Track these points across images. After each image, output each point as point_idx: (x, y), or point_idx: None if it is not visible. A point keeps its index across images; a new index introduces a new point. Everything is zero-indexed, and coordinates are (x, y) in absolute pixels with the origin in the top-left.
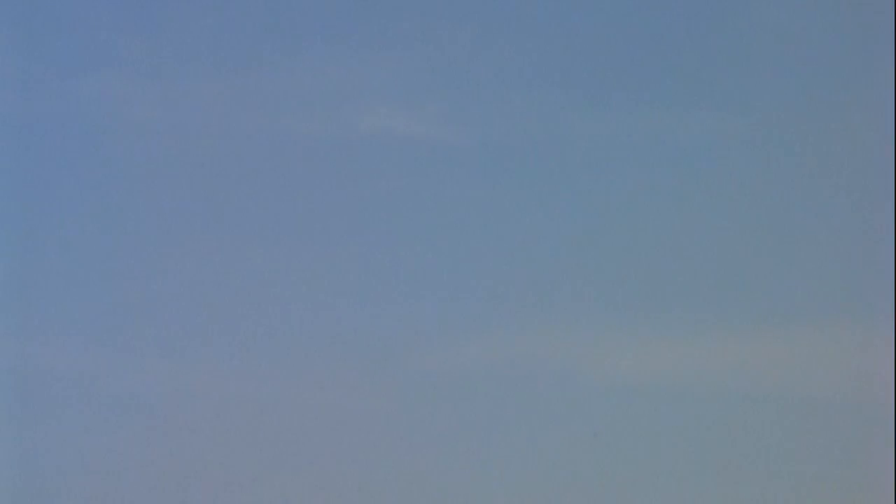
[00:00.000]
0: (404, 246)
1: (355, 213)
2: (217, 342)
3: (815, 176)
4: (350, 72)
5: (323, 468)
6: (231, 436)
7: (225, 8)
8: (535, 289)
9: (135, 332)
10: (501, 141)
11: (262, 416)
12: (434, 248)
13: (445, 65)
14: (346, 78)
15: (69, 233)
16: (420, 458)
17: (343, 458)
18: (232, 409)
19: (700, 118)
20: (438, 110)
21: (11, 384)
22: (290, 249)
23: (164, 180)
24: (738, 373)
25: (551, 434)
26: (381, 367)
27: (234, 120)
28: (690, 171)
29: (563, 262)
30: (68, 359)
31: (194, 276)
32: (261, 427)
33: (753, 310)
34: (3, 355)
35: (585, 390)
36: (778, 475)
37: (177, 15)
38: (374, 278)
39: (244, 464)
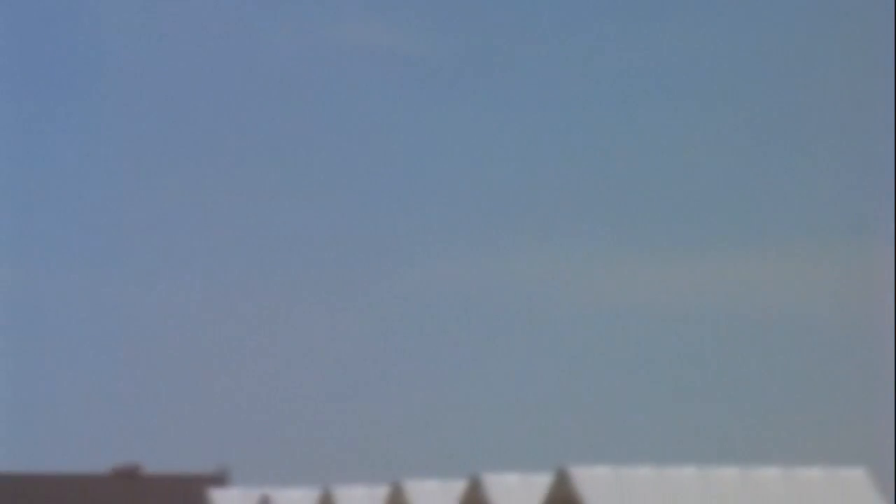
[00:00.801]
0: (384, 162)
1: (334, 128)
2: (208, 262)
3: (811, 93)
4: None
5: (311, 385)
6: (222, 351)
7: None
8: (519, 209)
9: (130, 253)
10: (480, 53)
11: (230, 332)
12: (416, 164)
13: None
14: None
15: (67, 162)
16: (402, 376)
17: (328, 374)
18: (221, 327)
19: (690, 41)
20: (414, 21)
21: (9, 308)
22: (271, 168)
23: (155, 111)
24: (735, 293)
25: (537, 355)
26: (364, 284)
27: (213, 37)
28: (679, 87)
29: (550, 181)
30: (66, 281)
31: (183, 195)
32: (226, 343)
33: (750, 228)
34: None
35: (574, 313)
36: (775, 394)
37: None
38: (356, 195)
39: (235, 375)
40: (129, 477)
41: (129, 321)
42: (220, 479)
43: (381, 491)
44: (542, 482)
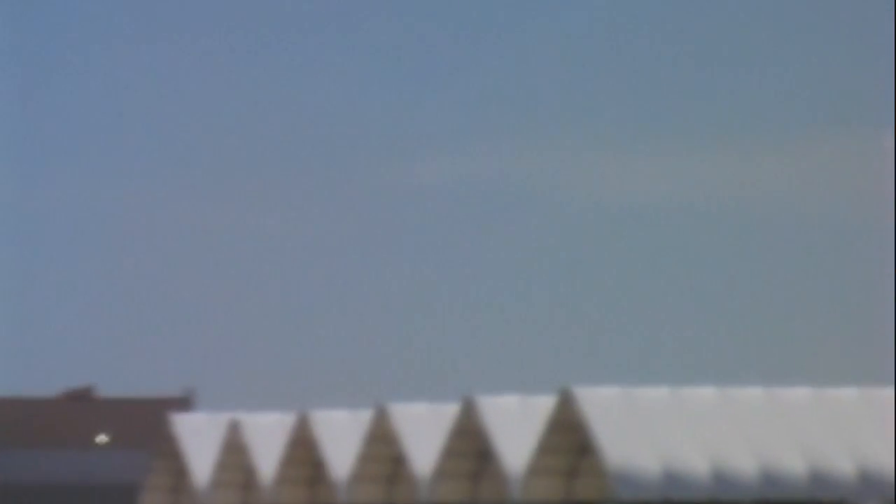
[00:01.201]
0: (396, 59)
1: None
2: (209, 165)
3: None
4: None
5: (286, 300)
6: (189, 263)
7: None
8: (522, 106)
9: (132, 163)
10: None
11: (197, 242)
12: (425, 62)
13: None
14: None
15: (66, 88)
16: (389, 289)
17: (305, 286)
18: (224, 237)
19: None
20: None
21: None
22: (280, 43)
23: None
24: (734, 189)
25: (536, 252)
26: (370, 179)
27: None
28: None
29: (554, 80)
30: (68, 194)
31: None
32: (193, 256)
33: (749, 122)
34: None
35: (575, 210)
36: (775, 292)
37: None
38: (365, 88)
39: (236, 289)
40: (81, 399)
41: (89, 232)
42: (184, 403)
43: (364, 415)
44: (543, 404)
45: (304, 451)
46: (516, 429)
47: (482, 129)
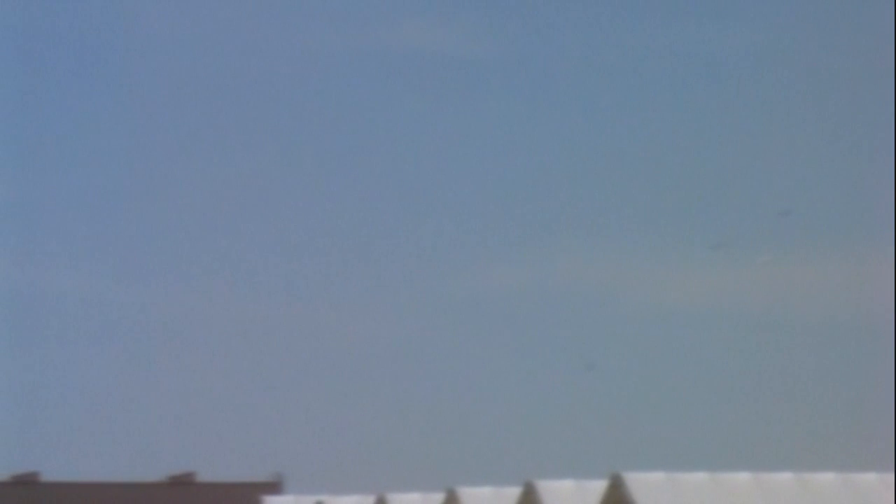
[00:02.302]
0: (438, 166)
1: (386, 131)
2: (235, 268)
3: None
4: None
5: (365, 392)
6: (277, 360)
7: None
8: (572, 211)
9: (141, 257)
10: (531, 54)
11: (284, 341)
12: (470, 168)
13: None
14: None
15: (75, 155)
16: (456, 382)
17: (381, 381)
18: (252, 336)
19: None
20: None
21: (14, 307)
22: (313, 169)
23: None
24: (775, 299)
25: (586, 360)
26: (415, 291)
27: (263, 33)
28: (719, 91)
29: (601, 183)
30: (73, 283)
31: (210, 198)
32: (280, 352)
33: (781, 237)
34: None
35: (625, 313)
36: (799, 396)
37: None
38: (406, 199)
39: (261, 388)
40: (184, 484)
41: (185, 333)
42: (274, 486)
43: (436, 497)
44: (596, 488)
45: None
46: None
47: (530, 237)
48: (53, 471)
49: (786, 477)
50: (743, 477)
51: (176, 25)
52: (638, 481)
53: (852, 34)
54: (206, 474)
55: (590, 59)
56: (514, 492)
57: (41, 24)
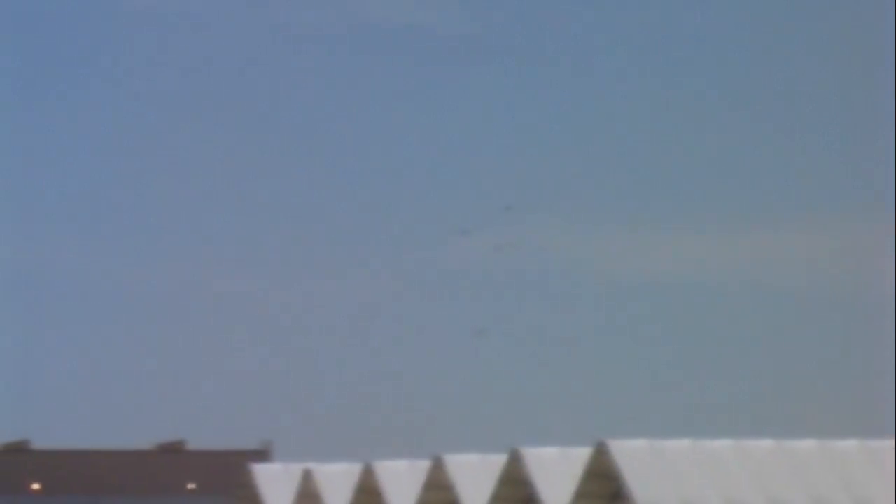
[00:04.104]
0: (419, 138)
1: (368, 102)
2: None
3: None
4: None
5: (352, 361)
6: (264, 328)
7: None
8: (549, 186)
9: (128, 230)
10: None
11: (273, 312)
12: (452, 141)
13: None
14: None
15: (72, 139)
16: (442, 349)
17: (369, 348)
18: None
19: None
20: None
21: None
22: (303, 146)
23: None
24: (749, 267)
25: (576, 328)
26: (402, 260)
27: (241, 8)
28: (702, 62)
29: (580, 158)
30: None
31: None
32: (268, 322)
33: (757, 207)
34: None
35: (603, 285)
36: (779, 364)
37: None
38: (391, 170)
39: (251, 361)
40: (173, 451)
41: (172, 300)
42: (262, 454)
43: (422, 465)
44: (580, 455)
45: (368, 498)
46: (557, 477)
47: (527, 207)
48: (44, 438)
49: (767, 444)
50: (724, 444)
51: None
52: (622, 448)
53: (855, 18)
54: (195, 442)
55: (578, 33)
56: (500, 459)
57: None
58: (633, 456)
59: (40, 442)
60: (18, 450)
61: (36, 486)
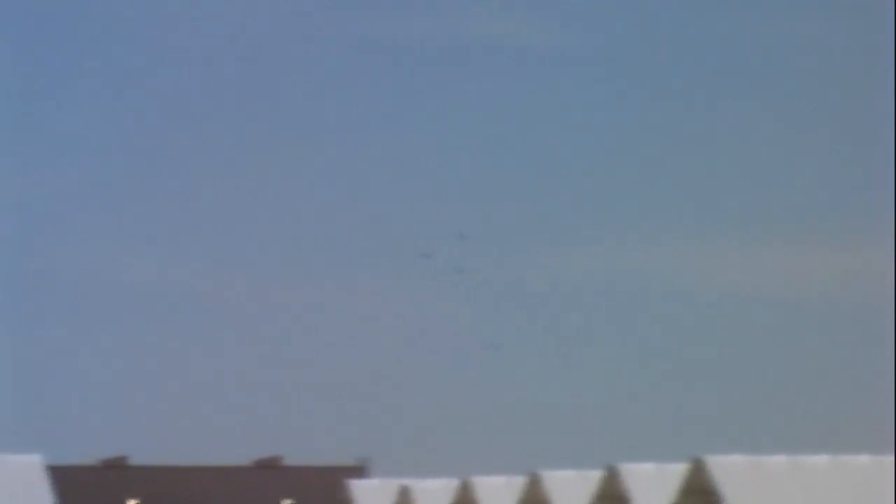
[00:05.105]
0: (511, 152)
1: (461, 118)
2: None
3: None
4: None
5: (449, 377)
6: (362, 345)
7: None
8: (640, 202)
9: (214, 248)
10: (613, 47)
11: (369, 327)
12: (546, 154)
13: None
14: None
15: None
16: (539, 367)
17: (466, 366)
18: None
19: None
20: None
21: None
22: (383, 156)
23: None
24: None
25: (659, 346)
26: (486, 275)
27: (332, 24)
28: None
29: (670, 175)
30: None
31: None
32: (365, 338)
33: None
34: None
35: (686, 301)
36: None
37: None
38: (483, 186)
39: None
40: (270, 467)
41: (273, 318)
42: (359, 470)
43: (519, 480)
44: (677, 471)
45: None
46: (654, 492)
47: (597, 224)
48: (142, 454)
49: (864, 460)
50: (822, 459)
51: None
52: (720, 464)
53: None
54: (292, 458)
55: (667, 50)
56: (596, 475)
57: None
58: (730, 472)
59: (138, 458)
60: (117, 465)
61: (134, 502)
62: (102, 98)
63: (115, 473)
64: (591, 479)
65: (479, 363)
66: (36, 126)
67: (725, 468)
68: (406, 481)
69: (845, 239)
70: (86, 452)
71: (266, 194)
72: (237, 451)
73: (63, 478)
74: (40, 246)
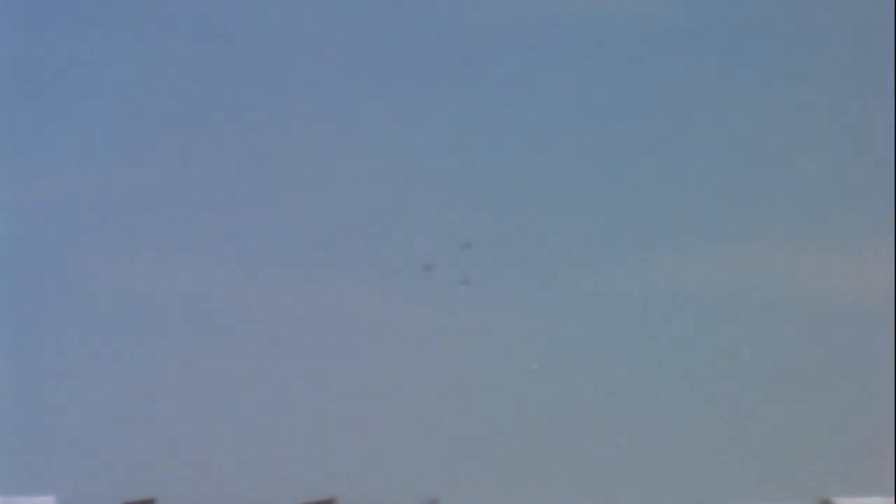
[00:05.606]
0: (596, 140)
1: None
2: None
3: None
4: None
5: (517, 412)
6: (427, 380)
7: None
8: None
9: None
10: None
11: (432, 364)
12: (624, 152)
13: None
14: None
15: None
16: (599, 379)
17: (535, 400)
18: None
19: None
20: None
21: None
22: (460, 146)
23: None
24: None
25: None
26: (565, 285)
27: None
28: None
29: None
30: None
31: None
32: (426, 373)
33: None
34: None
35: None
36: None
37: None
38: (569, 180)
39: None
40: None
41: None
42: None
43: None
44: None
45: None
46: None
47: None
48: (171, 497)
49: None
50: None
51: None
52: None
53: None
54: (346, 499)
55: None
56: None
57: None
58: None
59: (167, 500)
60: None
61: None
62: (103, 98)
63: None
64: None
65: (548, 394)
66: (36, 126)
67: None
68: None
69: None
70: (107, 494)
71: (266, 199)
72: (285, 492)
73: None
74: (46, 255)
